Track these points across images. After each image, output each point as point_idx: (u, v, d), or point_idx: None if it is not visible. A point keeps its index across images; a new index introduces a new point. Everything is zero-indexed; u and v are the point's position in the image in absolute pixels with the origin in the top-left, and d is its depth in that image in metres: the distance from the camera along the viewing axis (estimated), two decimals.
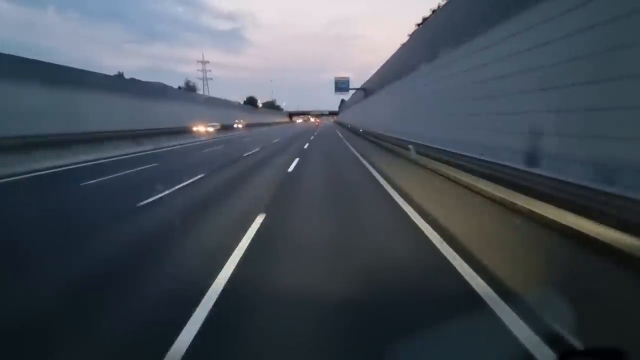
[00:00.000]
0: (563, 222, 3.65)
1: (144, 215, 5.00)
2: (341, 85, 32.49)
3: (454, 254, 3.22)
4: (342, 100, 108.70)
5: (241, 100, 76.17)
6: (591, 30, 3.83)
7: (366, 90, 26.76)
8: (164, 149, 16.80)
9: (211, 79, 76.12)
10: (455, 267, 2.94)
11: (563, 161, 4.39)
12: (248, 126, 44.91)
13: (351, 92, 35.61)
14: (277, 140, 22.87)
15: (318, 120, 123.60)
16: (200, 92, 66.30)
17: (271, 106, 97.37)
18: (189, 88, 49.05)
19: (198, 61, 73.11)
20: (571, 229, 3.50)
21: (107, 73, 26.80)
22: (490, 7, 6.65)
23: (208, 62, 72.67)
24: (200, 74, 72.20)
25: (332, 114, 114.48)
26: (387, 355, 1.83)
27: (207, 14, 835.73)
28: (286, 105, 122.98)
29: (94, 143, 15.78)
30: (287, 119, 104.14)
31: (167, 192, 6.36)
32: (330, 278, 2.82)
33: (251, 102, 64.88)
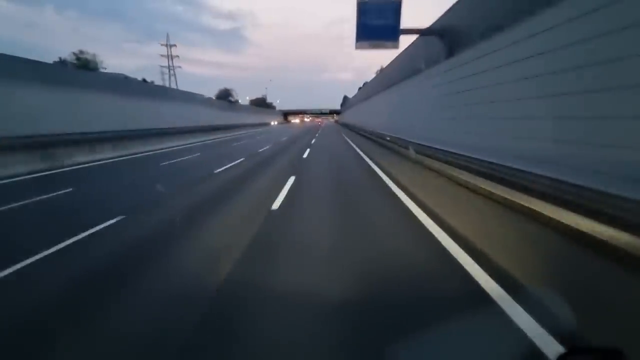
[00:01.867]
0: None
1: None
2: (377, 22, 9.20)
3: None
4: (345, 97, 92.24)
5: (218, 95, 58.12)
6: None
7: (446, 37, 9.11)
8: None
9: (179, 67, 58.29)
10: None
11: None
12: (200, 131, 27.68)
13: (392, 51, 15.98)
14: None
15: (319, 120, 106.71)
16: (156, 81, 49.07)
17: (261, 104, 79.69)
18: (81, 63, 29.25)
19: (161, 44, 55.78)
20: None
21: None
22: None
23: (175, 45, 55.14)
24: (166, 63, 55.35)
25: (333, 112, 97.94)
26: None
27: (207, 13, 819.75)
28: (282, 103, 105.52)
29: None
30: (279, 120, 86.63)
31: None
32: None
33: (226, 96, 46.59)
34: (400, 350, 1.84)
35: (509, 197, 4.93)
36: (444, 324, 2.07)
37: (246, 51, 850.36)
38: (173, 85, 52.90)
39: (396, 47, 9.94)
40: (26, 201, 5.83)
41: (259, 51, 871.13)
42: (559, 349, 1.75)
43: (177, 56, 55.19)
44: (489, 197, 5.51)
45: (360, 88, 60.41)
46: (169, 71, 52.83)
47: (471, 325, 2.02)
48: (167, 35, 57.13)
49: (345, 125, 49.31)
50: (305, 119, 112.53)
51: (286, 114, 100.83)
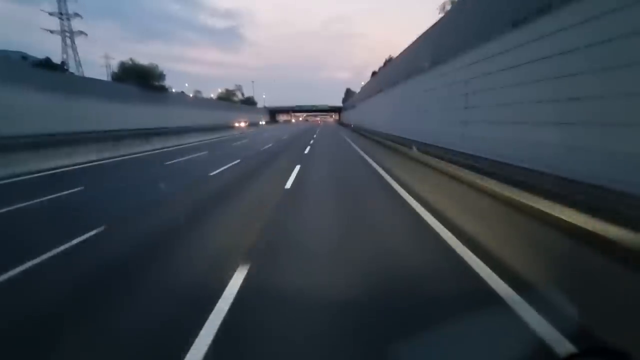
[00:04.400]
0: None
1: None
2: None
3: None
4: (348, 91, 72.04)
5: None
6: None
7: None
8: None
9: (85, 34, 37.39)
10: None
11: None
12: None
13: None
14: None
15: (318, 120, 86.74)
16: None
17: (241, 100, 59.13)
18: None
19: None
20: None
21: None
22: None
23: None
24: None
25: (333, 110, 77.54)
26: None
27: (204, 12, 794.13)
28: (273, 99, 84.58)
29: None
30: (261, 121, 66.10)
31: None
32: None
33: (145, 78, 24.68)
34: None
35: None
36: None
37: (244, 50, 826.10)
38: (80, 63, 32.18)
39: None
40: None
41: (257, 50, 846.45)
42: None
43: (80, 16, 34.36)
44: None
45: (374, 72, 40.58)
46: (64, 36, 32.00)
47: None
48: None
49: (356, 130, 28.89)
50: (292, 120, 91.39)
51: (274, 112, 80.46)
